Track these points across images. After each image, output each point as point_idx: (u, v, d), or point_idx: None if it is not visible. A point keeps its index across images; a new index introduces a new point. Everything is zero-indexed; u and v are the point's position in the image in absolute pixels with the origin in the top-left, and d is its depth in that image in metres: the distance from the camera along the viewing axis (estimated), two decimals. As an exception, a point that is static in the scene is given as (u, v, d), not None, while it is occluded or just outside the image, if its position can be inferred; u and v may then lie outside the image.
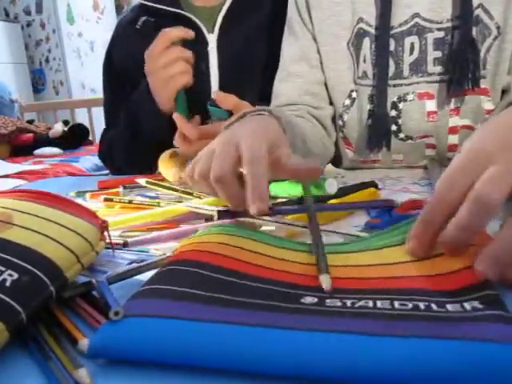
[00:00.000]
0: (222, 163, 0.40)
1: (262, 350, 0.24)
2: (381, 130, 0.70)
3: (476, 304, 0.27)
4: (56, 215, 0.36)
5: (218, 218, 0.44)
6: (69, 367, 0.25)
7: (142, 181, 0.61)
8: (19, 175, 1.12)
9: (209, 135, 0.64)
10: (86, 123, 2.19)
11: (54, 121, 2.39)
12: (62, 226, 0.35)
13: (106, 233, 0.38)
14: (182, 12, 0.84)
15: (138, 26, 0.88)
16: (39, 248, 0.32)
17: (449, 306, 0.27)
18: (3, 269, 0.29)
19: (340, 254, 0.36)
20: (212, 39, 0.85)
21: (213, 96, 0.67)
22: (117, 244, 0.40)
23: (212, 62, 0.85)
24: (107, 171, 1.03)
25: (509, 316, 0.26)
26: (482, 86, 0.65)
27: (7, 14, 4.06)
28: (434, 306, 0.27)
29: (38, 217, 0.35)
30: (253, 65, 0.85)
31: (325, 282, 0.30)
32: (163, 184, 0.61)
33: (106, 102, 0.97)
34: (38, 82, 4.11)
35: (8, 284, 0.28)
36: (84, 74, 3.92)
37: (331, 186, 0.50)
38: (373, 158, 0.76)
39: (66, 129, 1.91)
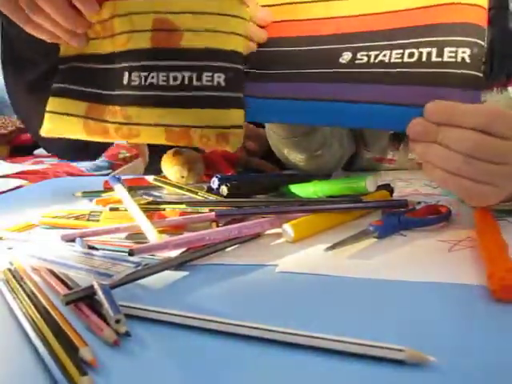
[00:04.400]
0: None
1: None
2: None
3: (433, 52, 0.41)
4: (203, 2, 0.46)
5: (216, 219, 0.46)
6: (73, 375, 0.24)
7: (150, 178, 0.60)
8: (19, 175, 1.11)
9: None
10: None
11: (55, 121, 2.37)
12: (216, 13, 0.44)
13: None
14: None
15: None
16: (221, 45, 0.44)
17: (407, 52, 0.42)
18: (210, 74, 0.43)
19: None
20: None
21: None
22: (123, 246, 0.39)
23: None
24: (107, 171, 1.02)
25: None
26: None
27: (8, 14, 4.06)
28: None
29: (193, 13, 0.45)
30: None
31: None
32: (170, 182, 0.60)
33: None
34: (38, 82, 4.09)
35: (223, 84, 0.44)
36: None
37: (371, 184, 0.51)
38: (389, 157, 0.75)
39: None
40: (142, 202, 0.53)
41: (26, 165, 1.38)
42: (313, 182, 0.55)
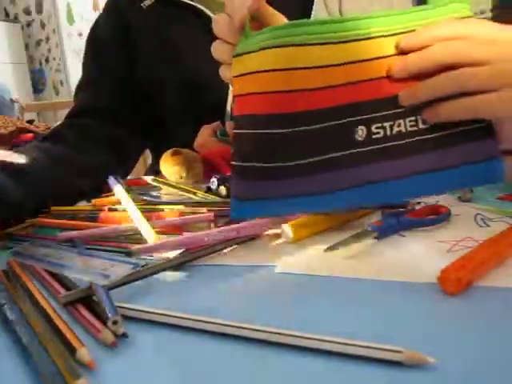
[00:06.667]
0: None
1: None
2: None
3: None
4: None
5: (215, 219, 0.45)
6: (67, 378, 0.24)
7: (148, 178, 0.60)
8: (18, 175, 1.11)
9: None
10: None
11: (54, 121, 2.37)
12: None
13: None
14: (199, 6, 0.79)
15: (143, 5, 0.82)
16: None
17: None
18: None
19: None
20: None
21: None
22: (121, 247, 0.39)
23: None
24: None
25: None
26: None
27: (7, 14, 4.06)
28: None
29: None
30: None
31: None
32: (169, 182, 0.60)
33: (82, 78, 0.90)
34: (38, 82, 4.10)
35: None
36: (84, 74, 3.91)
37: None
38: None
39: (65, 129, 1.90)
40: (141, 202, 0.53)
41: (26, 165, 1.38)
42: None
